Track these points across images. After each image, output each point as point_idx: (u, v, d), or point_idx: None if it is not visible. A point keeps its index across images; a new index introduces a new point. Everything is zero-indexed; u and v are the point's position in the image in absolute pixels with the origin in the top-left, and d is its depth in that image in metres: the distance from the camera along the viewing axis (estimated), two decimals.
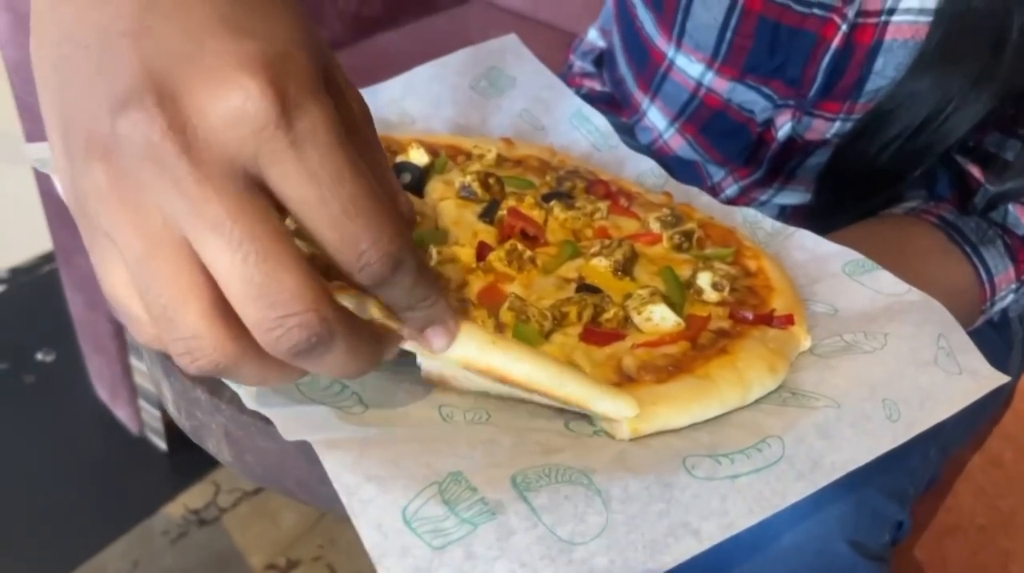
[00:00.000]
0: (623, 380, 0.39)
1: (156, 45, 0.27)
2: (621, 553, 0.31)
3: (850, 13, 0.60)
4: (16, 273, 1.68)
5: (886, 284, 0.48)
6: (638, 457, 0.35)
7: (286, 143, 0.27)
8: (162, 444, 1.35)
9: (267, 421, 0.36)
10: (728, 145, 0.71)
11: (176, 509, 1.30)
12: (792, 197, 0.71)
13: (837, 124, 0.65)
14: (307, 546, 1.26)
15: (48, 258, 1.70)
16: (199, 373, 0.29)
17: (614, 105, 0.82)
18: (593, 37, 0.89)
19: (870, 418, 0.39)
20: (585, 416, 0.38)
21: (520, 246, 0.46)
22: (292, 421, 0.34)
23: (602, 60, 0.87)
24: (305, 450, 0.33)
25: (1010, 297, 0.60)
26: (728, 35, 0.65)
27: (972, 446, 0.80)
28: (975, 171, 0.61)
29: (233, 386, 0.37)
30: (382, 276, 0.29)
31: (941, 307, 0.46)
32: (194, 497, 1.32)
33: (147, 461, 1.35)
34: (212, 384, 0.38)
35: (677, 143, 0.75)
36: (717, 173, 0.73)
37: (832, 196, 0.65)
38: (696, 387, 0.38)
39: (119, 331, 1.24)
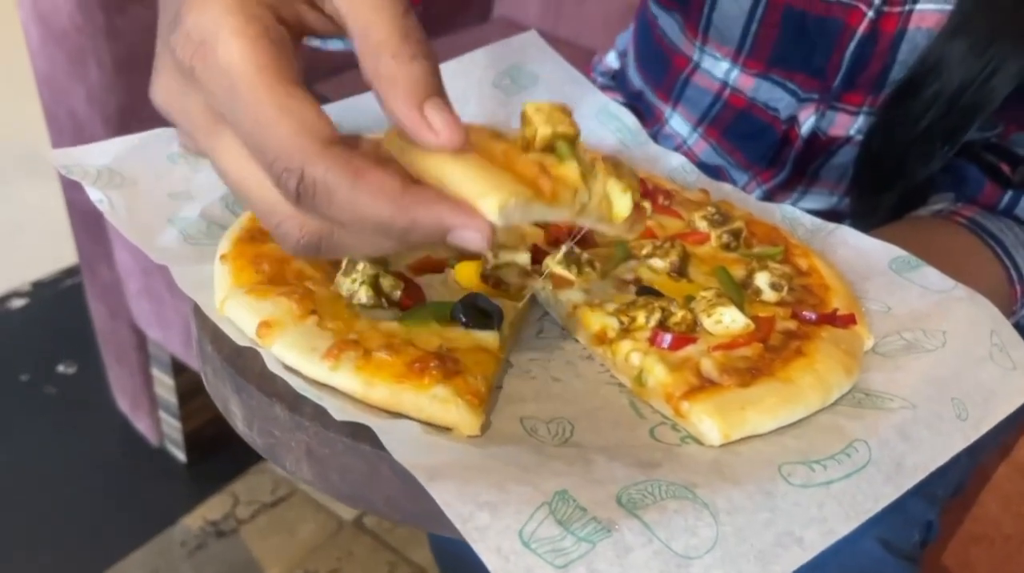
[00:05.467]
0: (704, 383, 0.39)
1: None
2: (735, 564, 0.31)
3: (875, 1, 0.61)
4: (38, 287, 1.69)
5: (934, 281, 0.48)
6: (733, 466, 0.35)
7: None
8: (181, 455, 1.36)
9: (354, 437, 0.35)
10: (752, 147, 0.72)
11: (194, 520, 1.30)
12: (817, 201, 0.71)
13: (860, 119, 0.65)
14: (324, 558, 1.26)
15: (70, 272, 1.72)
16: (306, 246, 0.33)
17: (636, 114, 0.82)
18: (611, 59, 0.90)
19: (943, 418, 0.39)
20: (668, 423, 0.38)
21: (576, 249, 0.46)
22: (391, 440, 0.34)
23: (617, 78, 0.88)
24: (397, 468, 0.33)
25: None
26: (754, 26, 0.66)
27: (999, 455, 0.79)
28: (1005, 169, 0.61)
29: (322, 402, 0.36)
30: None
31: (988, 303, 0.46)
32: (212, 508, 1.32)
33: (166, 472, 1.36)
34: (292, 401, 0.37)
35: (701, 148, 0.75)
36: (740, 178, 0.74)
37: (867, 183, 0.64)
38: (781, 391, 0.38)
39: (141, 342, 1.25)
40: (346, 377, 0.37)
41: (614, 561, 0.30)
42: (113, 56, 1.04)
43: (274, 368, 0.38)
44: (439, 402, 0.36)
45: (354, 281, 0.41)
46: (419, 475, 0.32)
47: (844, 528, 0.34)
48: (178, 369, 1.25)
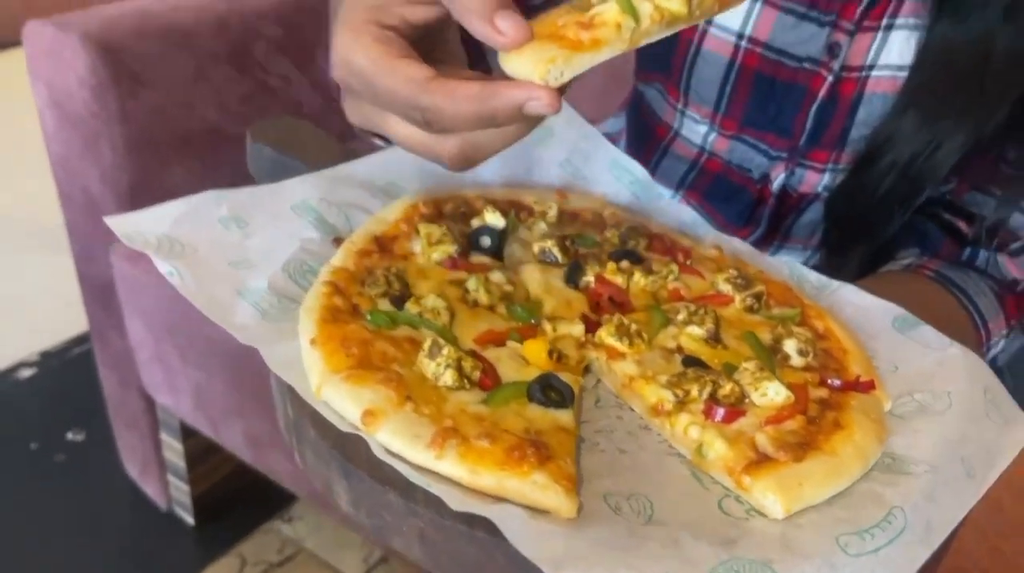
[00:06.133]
0: (761, 458, 0.43)
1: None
2: None
3: (835, 67, 0.67)
4: (46, 357, 1.73)
5: (931, 339, 0.52)
6: (800, 540, 0.40)
7: None
8: (189, 518, 1.39)
9: (470, 525, 0.39)
10: (729, 208, 0.77)
11: None
12: (790, 256, 0.76)
13: (826, 176, 0.71)
14: None
15: (76, 342, 1.76)
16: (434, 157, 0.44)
17: None
18: (610, 125, 0.95)
19: (957, 478, 0.44)
20: (731, 496, 0.43)
21: (626, 321, 0.50)
22: (510, 531, 0.37)
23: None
24: (510, 554, 0.37)
25: (1002, 342, 0.65)
26: (728, 89, 0.72)
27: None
28: (962, 226, 0.67)
29: (435, 491, 0.39)
30: None
31: (980, 361, 0.51)
32: (221, 570, 1.34)
33: (175, 535, 1.39)
34: (403, 488, 0.40)
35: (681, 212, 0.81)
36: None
37: (835, 242, 0.70)
38: (829, 464, 0.43)
39: (150, 407, 1.29)
40: (452, 465, 0.40)
41: None
42: (125, 138, 1.11)
43: (380, 454, 0.41)
44: (540, 489, 0.40)
45: (439, 365, 0.45)
46: (544, 566, 0.36)
47: None
48: (187, 433, 1.29)
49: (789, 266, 0.60)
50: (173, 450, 1.33)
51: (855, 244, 0.68)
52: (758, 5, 0.69)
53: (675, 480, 0.44)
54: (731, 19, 0.70)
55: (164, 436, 1.32)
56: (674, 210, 0.64)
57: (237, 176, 1.22)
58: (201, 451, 1.32)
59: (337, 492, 0.43)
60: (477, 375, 0.45)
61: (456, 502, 0.39)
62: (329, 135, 0.70)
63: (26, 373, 1.69)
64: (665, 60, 0.75)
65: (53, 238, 2.00)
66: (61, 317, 1.81)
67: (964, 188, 0.67)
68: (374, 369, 0.44)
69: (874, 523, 0.40)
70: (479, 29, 0.40)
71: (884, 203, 0.65)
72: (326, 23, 1.35)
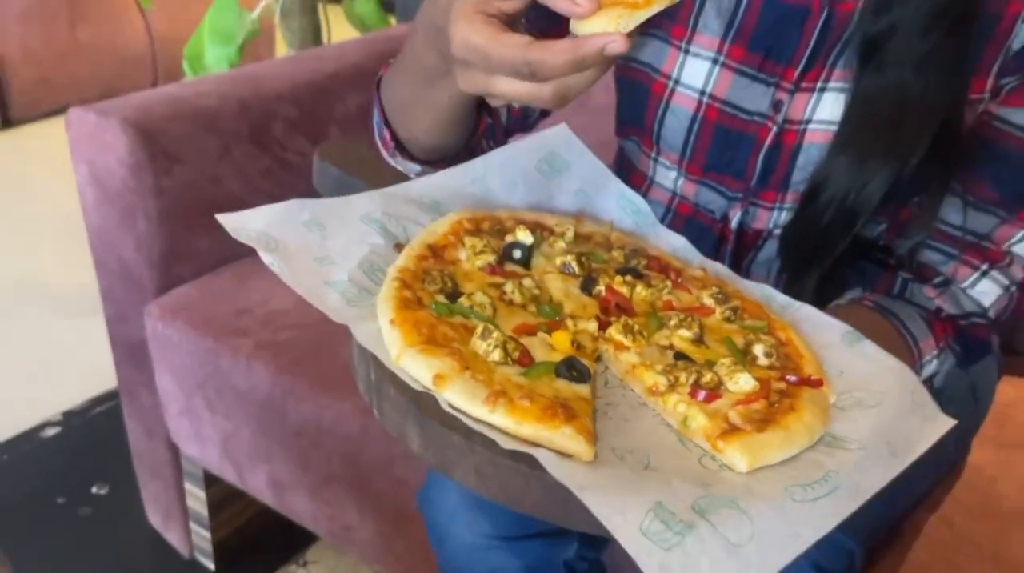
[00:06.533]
0: (732, 429, 0.55)
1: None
2: (765, 549, 0.47)
3: (779, 120, 0.79)
4: (69, 416, 1.83)
5: (872, 352, 0.64)
6: (757, 487, 0.51)
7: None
8: (210, 564, 1.47)
9: (515, 461, 0.51)
10: (698, 248, 0.88)
11: None
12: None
13: (775, 214, 0.83)
14: None
15: (97, 401, 1.86)
16: (541, 102, 0.56)
17: None
18: None
19: (882, 456, 0.55)
20: (708, 455, 0.54)
21: (630, 322, 0.62)
22: (547, 464, 0.49)
23: None
24: (545, 482, 0.49)
25: (934, 362, 0.76)
26: (692, 138, 0.84)
27: (929, 509, 0.94)
28: (894, 264, 0.78)
29: (491, 435, 0.51)
30: None
31: (910, 371, 0.62)
32: None
33: None
34: (465, 432, 0.52)
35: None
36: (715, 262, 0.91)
37: (789, 269, 0.81)
38: (784, 436, 0.55)
39: (175, 458, 1.39)
40: (501, 417, 0.52)
41: (697, 546, 0.46)
42: (158, 210, 1.23)
43: (446, 408, 0.53)
44: (567, 438, 0.52)
45: (489, 345, 0.57)
46: (572, 488, 0.48)
47: (827, 528, 0.49)
48: (209, 481, 1.38)
49: (760, 289, 0.72)
50: (196, 498, 1.42)
51: (808, 271, 0.79)
52: (718, 68, 0.81)
53: (666, 442, 0.55)
54: (695, 79, 0.82)
55: (188, 485, 1.42)
56: (668, 238, 0.76)
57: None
58: (222, 498, 1.41)
59: (410, 437, 0.55)
60: (517, 355, 0.57)
61: (505, 443, 0.51)
62: (378, 157, 0.83)
63: (51, 432, 1.78)
64: (640, 118, 0.87)
65: (74, 304, 2.12)
66: (82, 379, 1.91)
67: (892, 234, 0.79)
68: (439, 345, 0.56)
69: (815, 480, 0.51)
70: (562, 5, 0.53)
71: (827, 234, 0.76)
72: (336, 103, 1.50)
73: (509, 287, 0.63)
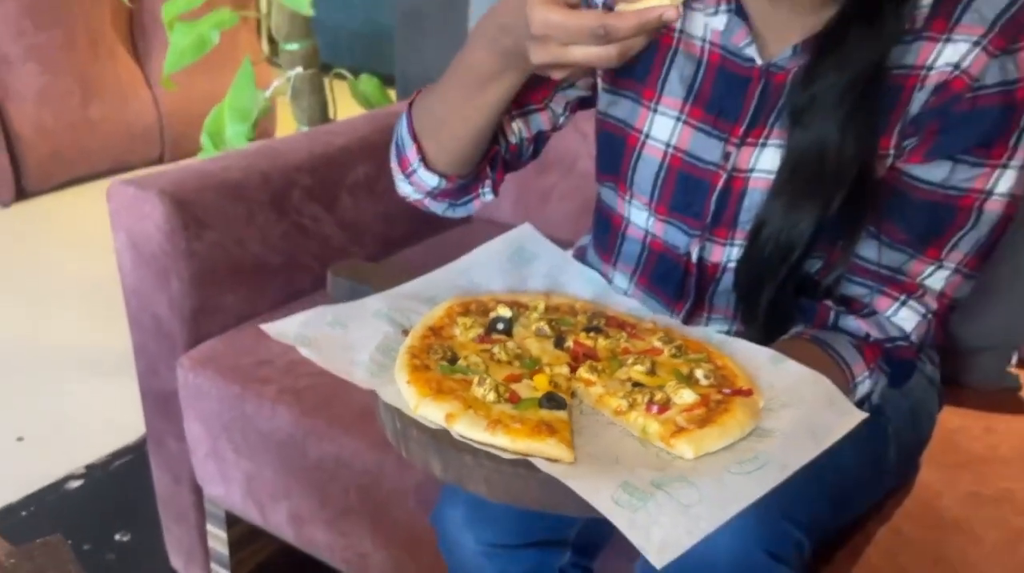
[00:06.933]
0: (680, 429, 0.69)
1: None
2: (711, 510, 0.61)
3: (728, 168, 0.94)
4: (91, 469, 1.94)
5: (794, 368, 0.79)
6: (702, 468, 0.66)
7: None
8: None
9: (514, 467, 0.65)
10: (667, 284, 1.02)
11: None
12: (718, 326, 1.01)
13: (727, 249, 0.97)
14: None
15: (117, 455, 1.98)
16: (609, 61, 0.71)
17: None
18: (584, 239, 1.22)
19: (804, 441, 0.69)
20: (663, 452, 0.69)
21: (595, 363, 0.78)
22: (541, 466, 0.64)
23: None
24: (541, 481, 0.64)
25: (867, 382, 0.89)
26: (659, 183, 0.98)
27: (879, 521, 1.06)
28: (827, 302, 0.92)
29: (494, 451, 0.66)
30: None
31: (826, 379, 0.77)
32: None
33: None
34: (472, 453, 0.66)
35: (637, 295, 1.06)
36: (663, 314, 1.04)
37: (745, 301, 0.95)
38: (721, 430, 0.69)
39: (198, 500, 1.50)
40: (500, 438, 0.67)
41: (656, 509, 0.60)
42: (190, 272, 1.37)
43: (456, 437, 0.68)
44: (553, 447, 0.66)
45: (485, 389, 0.71)
46: (560, 478, 0.63)
47: (759, 492, 0.63)
48: (231, 521, 1.49)
49: (700, 331, 0.87)
50: (217, 539, 1.53)
51: (757, 299, 0.93)
52: (680, 124, 0.96)
53: (629, 446, 0.70)
54: (662, 133, 0.97)
55: (210, 526, 1.52)
56: (623, 301, 0.92)
57: (278, 295, 1.49)
58: (241, 538, 1.52)
59: (433, 464, 0.69)
60: (507, 395, 0.72)
61: (507, 455, 0.66)
62: (380, 267, 0.98)
63: (75, 484, 1.90)
64: (617, 166, 1.02)
65: (93, 366, 2.25)
66: (102, 435, 2.03)
67: (824, 273, 0.94)
68: (447, 394, 0.71)
69: (748, 459, 0.66)
70: None
71: (768, 265, 0.90)
72: (347, 172, 1.66)
73: (496, 350, 0.79)
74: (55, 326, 2.49)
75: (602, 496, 0.61)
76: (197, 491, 1.50)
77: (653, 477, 0.63)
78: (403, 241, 1.66)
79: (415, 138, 0.94)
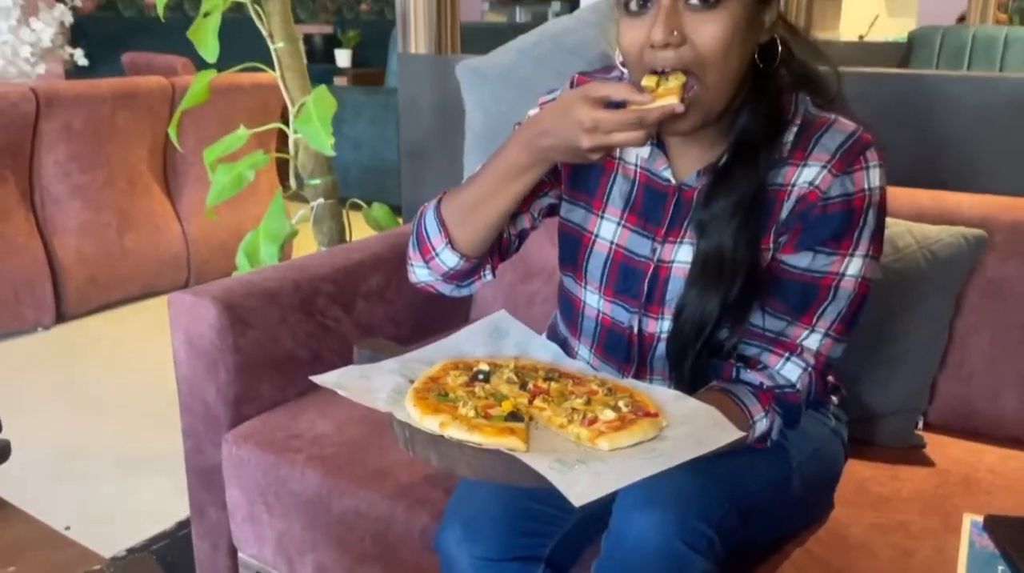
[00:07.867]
0: (600, 433, 0.98)
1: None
2: (616, 477, 0.90)
3: (655, 260, 1.24)
4: (132, 552, 2.17)
5: (692, 403, 1.08)
6: (616, 456, 0.95)
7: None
8: None
9: (487, 453, 0.95)
10: (618, 352, 1.31)
11: None
12: (659, 385, 1.29)
13: (660, 323, 1.25)
14: None
15: (155, 539, 2.21)
16: (639, 141, 1.04)
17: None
18: (554, 317, 1.52)
19: (690, 445, 0.97)
20: (590, 448, 0.98)
21: (548, 398, 1.08)
22: (509, 454, 0.94)
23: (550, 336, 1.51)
24: (506, 463, 0.95)
25: (764, 421, 1.16)
26: (606, 271, 1.28)
27: (795, 545, 1.31)
28: (732, 361, 1.21)
29: (471, 444, 0.97)
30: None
31: (716, 410, 1.05)
32: None
33: None
34: (458, 446, 0.96)
35: (596, 362, 1.35)
36: (616, 376, 1.33)
37: (675, 364, 1.23)
38: (630, 433, 0.98)
39: (233, 563, 1.74)
40: (477, 437, 0.96)
41: (580, 474, 0.90)
42: (235, 363, 1.66)
43: (448, 437, 0.97)
44: (514, 442, 0.96)
45: (469, 408, 1.01)
46: (518, 457, 0.92)
47: (652, 471, 0.91)
48: None
49: (628, 381, 1.17)
50: None
51: (683, 362, 1.21)
52: (620, 227, 1.27)
53: (567, 445, 0.99)
54: (608, 234, 1.28)
55: None
56: (572, 363, 1.23)
57: (306, 383, 1.77)
58: None
59: (431, 457, 0.99)
60: (483, 413, 1.02)
61: (482, 447, 0.95)
62: (392, 345, 1.30)
63: None
64: (574, 259, 1.33)
65: (130, 464, 2.51)
66: (140, 523, 2.27)
67: (729, 340, 1.23)
68: (441, 412, 1.00)
69: (647, 451, 0.95)
70: (637, 98, 1.02)
71: (689, 336, 1.19)
72: (362, 282, 1.99)
73: (477, 389, 1.10)
74: (96, 432, 2.76)
75: (543, 465, 0.90)
76: (233, 555, 1.74)
77: (579, 457, 0.93)
78: (408, 339, 1.96)
79: (443, 224, 1.23)
